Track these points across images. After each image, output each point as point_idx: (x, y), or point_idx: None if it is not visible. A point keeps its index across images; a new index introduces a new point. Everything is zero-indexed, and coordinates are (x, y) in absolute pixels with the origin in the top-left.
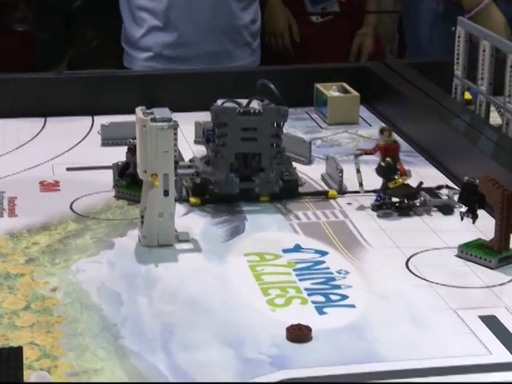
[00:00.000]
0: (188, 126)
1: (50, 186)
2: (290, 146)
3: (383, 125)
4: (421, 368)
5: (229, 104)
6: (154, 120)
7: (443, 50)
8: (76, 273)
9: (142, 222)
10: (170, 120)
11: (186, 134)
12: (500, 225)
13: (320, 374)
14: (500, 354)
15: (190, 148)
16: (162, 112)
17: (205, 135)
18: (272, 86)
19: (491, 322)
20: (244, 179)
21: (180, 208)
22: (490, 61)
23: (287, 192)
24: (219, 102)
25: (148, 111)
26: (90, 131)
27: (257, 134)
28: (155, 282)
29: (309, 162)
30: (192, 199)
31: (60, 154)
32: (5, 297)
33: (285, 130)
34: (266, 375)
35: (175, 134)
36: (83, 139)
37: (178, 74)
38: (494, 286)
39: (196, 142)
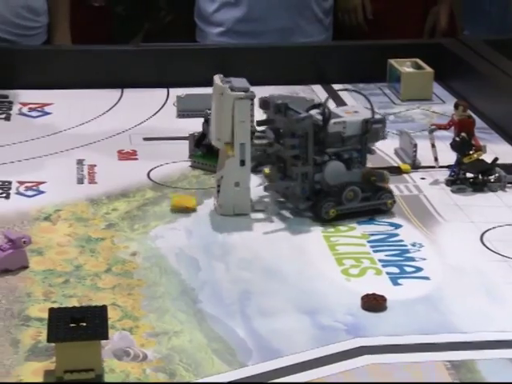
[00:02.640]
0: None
1: (127, 155)
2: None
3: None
4: (495, 340)
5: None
6: (232, 89)
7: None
8: (154, 239)
9: (219, 192)
10: (247, 90)
11: (258, 108)
12: None
13: (394, 343)
14: None
15: None
16: (240, 82)
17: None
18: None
19: None
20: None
21: (255, 178)
22: None
23: (314, 214)
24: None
25: (227, 79)
26: (165, 103)
27: (283, 138)
28: (231, 250)
29: (383, 137)
30: (266, 170)
31: (137, 124)
32: (87, 259)
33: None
34: (341, 342)
35: (252, 104)
36: (159, 110)
37: (250, 48)
38: None
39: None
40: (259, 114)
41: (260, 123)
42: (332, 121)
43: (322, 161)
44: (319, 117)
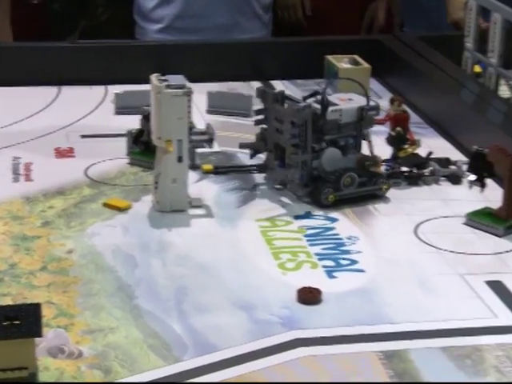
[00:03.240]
0: (200, 95)
1: (64, 153)
2: None
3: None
4: (427, 330)
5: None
6: (168, 87)
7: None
8: (91, 236)
9: (156, 188)
10: (184, 87)
11: (199, 104)
12: (508, 193)
13: (329, 335)
14: (505, 317)
15: (203, 118)
16: (176, 79)
17: None
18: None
19: (497, 287)
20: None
21: (193, 175)
22: (500, 33)
23: (311, 198)
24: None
25: (163, 78)
26: (103, 100)
27: (283, 126)
28: (168, 246)
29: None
30: (205, 166)
31: (74, 121)
32: (22, 258)
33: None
34: (276, 335)
35: (189, 100)
36: (97, 108)
37: (189, 45)
38: (500, 253)
39: (208, 112)
40: (197, 111)
41: (258, 112)
42: (330, 109)
43: (320, 148)
44: (317, 105)
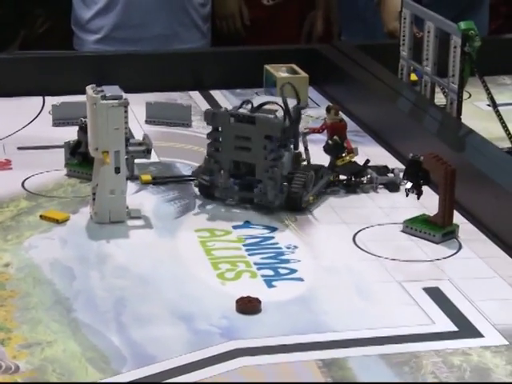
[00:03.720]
0: (139, 106)
1: (1, 165)
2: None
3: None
4: (366, 337)
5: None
6: (104, 97)
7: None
8: (28, 249)
9: (94, 199)
10: (120, 97)
11: (137, 115)
12: (444, 200)
13: (268, 344)
14: (442, 323)
15: (141, 128)
16: (112, 90)
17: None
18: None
19: (435, 294)
20: (244, 187)
21: (131, 186)
22: (434, 42)
23: (290, 207)
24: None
25: (98, 89)
26: (41, 111)
27: (251, 143)
28: (107, 258)
29: None
30: (143, 177)
31: (11, 133)
32: None
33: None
34: (216, 345)
35: (126, 111)
36: (34, 119)
37: (127, 56)
38: (437, 260)
39: (147, 122)
40: (136, 121)
41: (210, 135)
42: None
43: (279, 156)
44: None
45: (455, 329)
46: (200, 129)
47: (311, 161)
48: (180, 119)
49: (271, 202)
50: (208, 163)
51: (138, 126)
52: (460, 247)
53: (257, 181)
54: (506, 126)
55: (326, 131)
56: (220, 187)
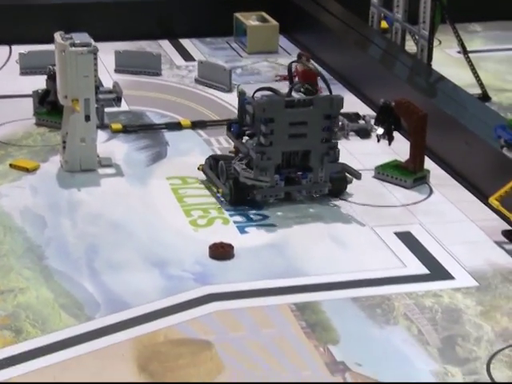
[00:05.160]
0: (108, 55)
1: None
2: (210, 75)
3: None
4: (339, 281)
5: (267, 94)
6: (73, 45)
7: None
8: None
9: (64, 148)
10: (89, 45)
11: (106, 64)
12: (415, 146)
13: (241, 289)
14: (414, 266)
15: (111, 76)
16: (81, 37)
17: (232, 129)
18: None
19: (406, 238)
20: (289, 181)
21: (102, 134)
22: None
23: (336, 192)
24: (246, 87)
25: (67, 36)
26: (7, 60)
27: (307, 128)
28: (78, 206)
29: (229, 89)
30: (113, 125)
31: None
32: None
33: (204, 59)
34: (190, 291)
35: (95, 58)
36: (1, 68)
37: (96, 4)
38: (408, 205)
39: (116, 71)
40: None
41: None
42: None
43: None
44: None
45: (426, 272)
46: (170, 77)
47: None
48: (150, 68)
49: (322, 190)
50: (259, 162)
51: (108, 75)
52: (431, 192)
53: (303, 170)
54: (476, 73)
55: (297, 78)
56: (264, 187)
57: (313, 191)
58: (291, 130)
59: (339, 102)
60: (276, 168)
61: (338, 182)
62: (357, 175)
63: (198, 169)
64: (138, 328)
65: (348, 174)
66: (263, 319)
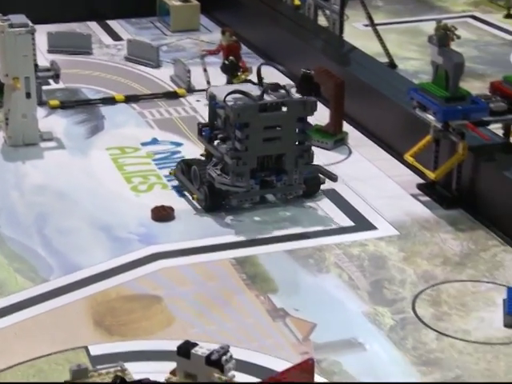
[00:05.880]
0: (40, 36)
1: None
2: (139, 52)
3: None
4: (274, 236)
5: (239, 97)
6: (11, 26)
7: None
8: None
9: (7, 124)
10: (27, 25)
11: (40, 45)
12: (333, 110)
13: (184, 247)
14: (340, 220)
15: (44, 56)
16: (18, 19)
17: (204, 133)
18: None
19: (331, 195)
20: (264, 184)
21: (41, 111)
22: None
23: (309, 193)
24: (216, 90)
25: (4, 18)
26: None
27: (281, 131)
28: (24, 178)
29: (157, 65)
30: (51, 102)
31: None
32: None
33: (131, 37)
34: (136, 251)
35: (33, 39)
36: None
37: None
38: (331, 164)
39: (49, 52)
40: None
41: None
42: None
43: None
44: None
45: (352, 224)
46: (101, 56)
47: (211, 81)
48: (81, 48)
49: (297, 192)
50: (235, 167)
51: (42, 56)
52: (350, 152)
53: (277, 173)
54: (383, 43)
55: (221, 53)
56: (240, 192)
57: (287, 193)
58: (266, 134)
59: (312, 104)
60: (250, 172)
61: (312, 183)
62: (333, 177)
63: (170, 173)
64: (90, 287)
65: (322, 176)
66: (206, 274)
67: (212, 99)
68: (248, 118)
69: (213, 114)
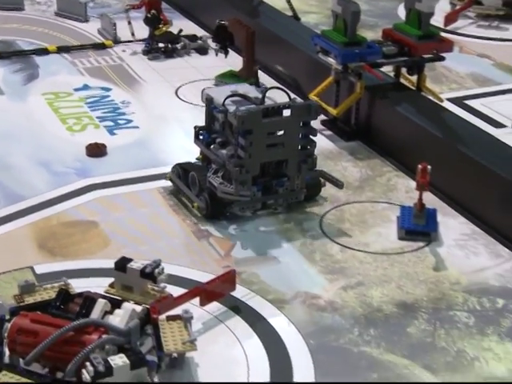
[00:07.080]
0: None
1: None
2: (68, 8)
3: None
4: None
5: (238, 99)
6: None
7: None
8: None
9: None
10: None
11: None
12: (246, 57)
13: (117, 179)
14: None
15: None
16: None
17: (202, 137)
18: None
19: None
20: (265, 190)
21: None
22: None
23: (310, 197)
24: (212, 91)
25: None
26: None
27: (284, 137)
28: None
29: (85, 20)
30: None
31: None
32: None
33: None
34: (73, 183)
35: None
36: None
37: None
38: None
39: None
40: None
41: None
42: None
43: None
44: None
45: None
46: (33, 12)
47: (135, 33)
48: (13, 4)
49: (299, 197)
50: (239, 176)
51: None
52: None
53: (279, 179)
54: None
55: (144, 7)
56: (242, 200)
57: (289, 199)
58: (269, 140)
59: (317, 108)
60: (252, 178)
61: (313, 187)
62: (338, 184)
63: (166, 178)
64: (34, 215)
65: (328, 182)
66: (137, 201)
67: (210, 103)
68: (252, 124)
69: (210, 117)
